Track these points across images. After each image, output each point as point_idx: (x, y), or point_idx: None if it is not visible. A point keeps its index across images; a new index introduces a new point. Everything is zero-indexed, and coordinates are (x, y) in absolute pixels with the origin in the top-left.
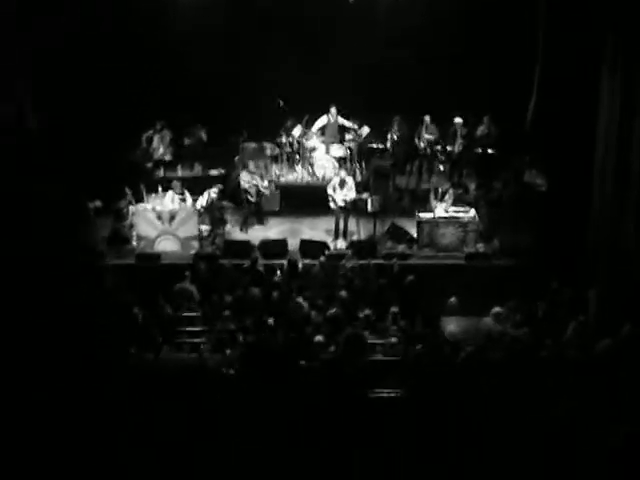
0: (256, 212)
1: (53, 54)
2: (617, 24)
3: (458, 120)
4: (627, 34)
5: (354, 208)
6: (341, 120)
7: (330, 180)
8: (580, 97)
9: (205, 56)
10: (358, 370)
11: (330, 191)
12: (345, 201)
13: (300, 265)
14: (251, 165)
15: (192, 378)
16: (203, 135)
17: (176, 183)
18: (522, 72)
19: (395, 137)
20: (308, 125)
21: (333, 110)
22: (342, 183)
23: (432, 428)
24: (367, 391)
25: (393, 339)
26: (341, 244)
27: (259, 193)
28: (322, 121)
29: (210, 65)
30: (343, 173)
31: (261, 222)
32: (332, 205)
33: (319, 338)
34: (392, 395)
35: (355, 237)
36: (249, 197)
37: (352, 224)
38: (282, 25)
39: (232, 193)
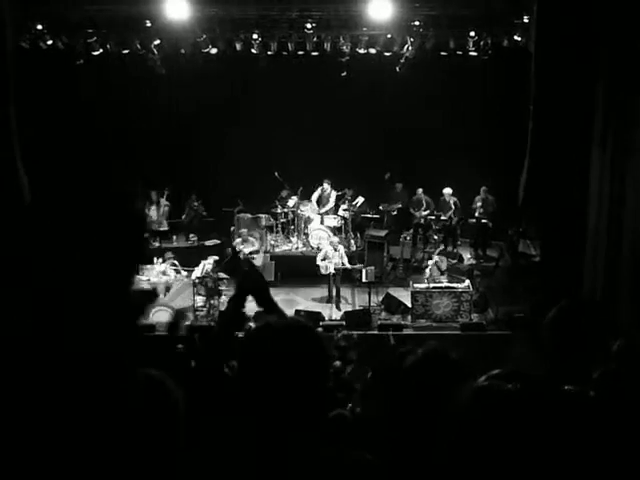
0: None
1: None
2: (606, 100)
3: (447, 190)
4: (615, 106)
5: (348, 277)
6: (333, 194)
7: (321, 250)
8: (572, 169)
9: (201, 126)
10: None
11: (319, 260)
12: (336, 268)
13: None
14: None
15: None
16: (202, 210)
17: (170, 254)
18: (517, 145)
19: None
20: (303, 196)
21: (326, 184)
22: (334, 250)
23: None
24: None
25: None
26: (335, 314)
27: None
28: (316, 194)
29: (204, 135)
30: (336, 240)
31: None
32: (323, 272)
33: None
34: None
35: (350, 307)
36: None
37: (345, 292)
38: (280, 97)
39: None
